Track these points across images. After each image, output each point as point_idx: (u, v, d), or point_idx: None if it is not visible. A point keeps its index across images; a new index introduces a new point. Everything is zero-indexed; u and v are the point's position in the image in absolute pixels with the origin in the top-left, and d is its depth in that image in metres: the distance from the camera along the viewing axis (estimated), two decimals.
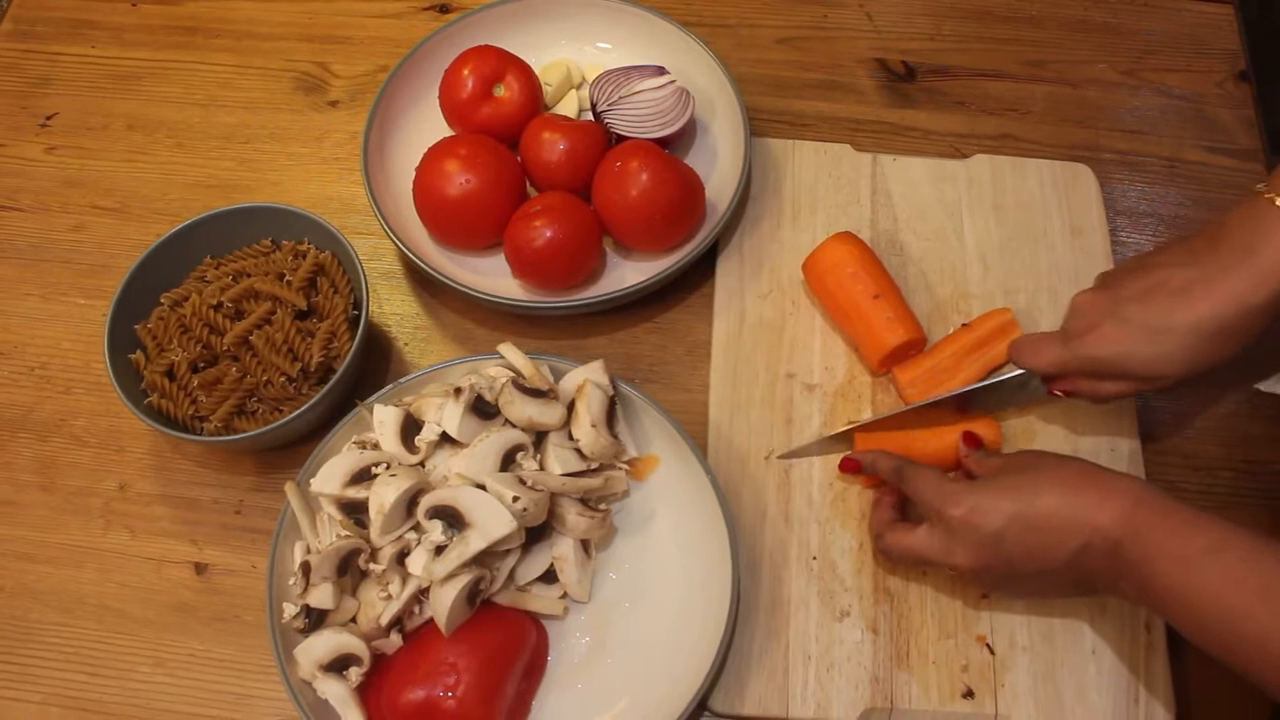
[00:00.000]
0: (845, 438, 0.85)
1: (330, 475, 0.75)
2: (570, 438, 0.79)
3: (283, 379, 0.82)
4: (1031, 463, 0.72)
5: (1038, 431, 0.85)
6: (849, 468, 0.81)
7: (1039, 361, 0.78)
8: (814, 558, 0.81)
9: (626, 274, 0.92)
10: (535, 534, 0.77)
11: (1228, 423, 0.88)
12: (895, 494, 0.79)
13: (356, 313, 0.85)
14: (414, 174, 0.90)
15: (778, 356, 0.89)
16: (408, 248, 0.88)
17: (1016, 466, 0.73)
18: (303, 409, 0.79)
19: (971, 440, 0.80)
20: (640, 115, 0.93)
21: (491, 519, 0.72)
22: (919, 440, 0.83)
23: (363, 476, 0.75)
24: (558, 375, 0.82)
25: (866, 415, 0.86)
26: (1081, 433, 0.85)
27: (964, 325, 0.88)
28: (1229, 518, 0.83)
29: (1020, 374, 0.81)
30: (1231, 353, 0.71)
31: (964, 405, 0.83)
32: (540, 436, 0.79)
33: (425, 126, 0.97)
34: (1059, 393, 0.79)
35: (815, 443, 0.85)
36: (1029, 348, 0.79)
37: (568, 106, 0.99)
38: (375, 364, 0.91)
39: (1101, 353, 0.73)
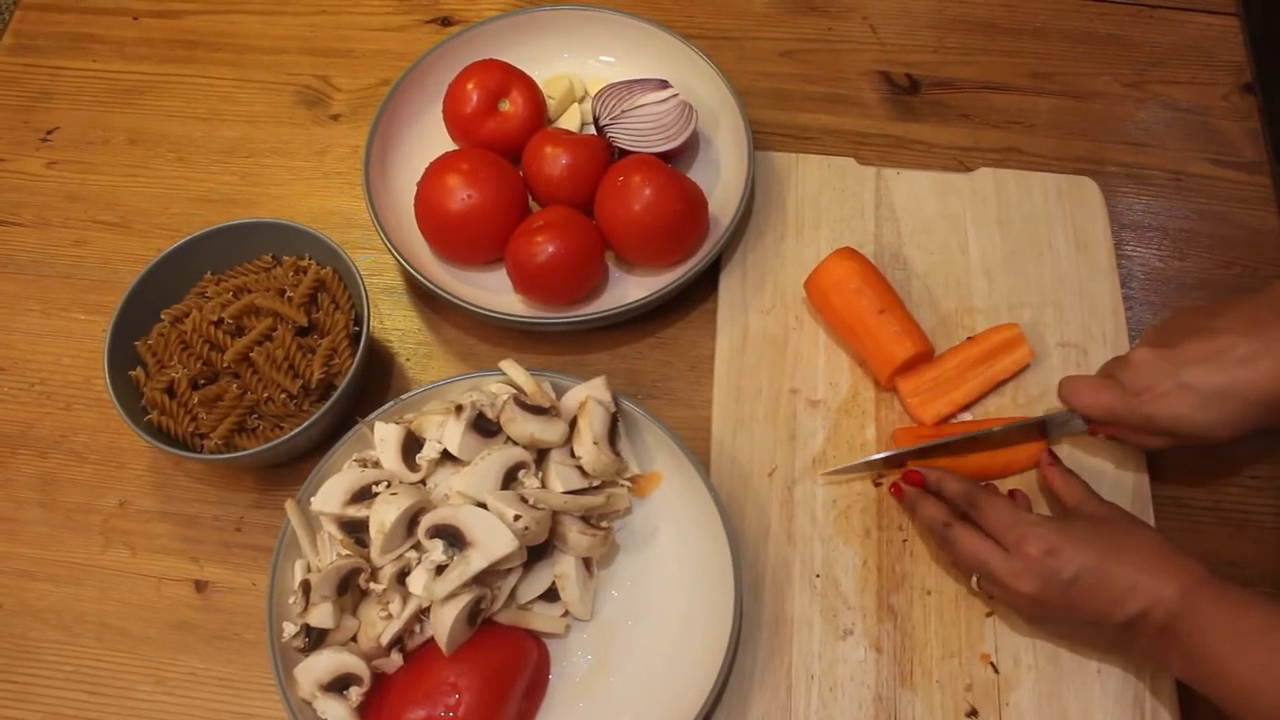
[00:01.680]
0: (887, 460, 0.84)
1: (331, 494, 0.75)
2: (572, 455, 0.78)
3: (283, 396, 0.81)
4: (1113, 518, 0.75)
5: None
6: (914, 480, 0.80)
7: (1093, 406, 0.79)
8: (817, 575, 0.81)
9: (629, 289, 0.91)
10: (537, 552, 0.77)
11: None
12: (945, 506, 0.79)
13: (357, 329, 0.85)
14: (416, 189, 0.90)
15: (781, 372, 0.89)
16: (409, 263, 0.88)
17: (1097, 516, 0.75)
18: (303, 426, 0.78)
19: (1052, 455, 0.82)
20: (643, 129, 0.92)
21: (493, 537, 0.71)
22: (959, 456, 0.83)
23: (363, 495, 0.75)
24: (559, 392, 0.81)
25: (870, 431, 0.86)
26: (1087, 447, 0.85)
27: (969, 339, 0.88)
28: (1235, 534, 0.83)
29: (1064, 415, 0.82)
30: None
31: (1007, 440, 0.83)
32: (542, 454, 0.78)
33: (427, 140, 0.97)
34: (1101, 435, 0.81)
35: (860, 463, 0.84)
36: (1084, 390, 0.79)
37: (570, 120, 0.98)
38: (376, 380, 0.91)
39: (1159, 413, 0.75)
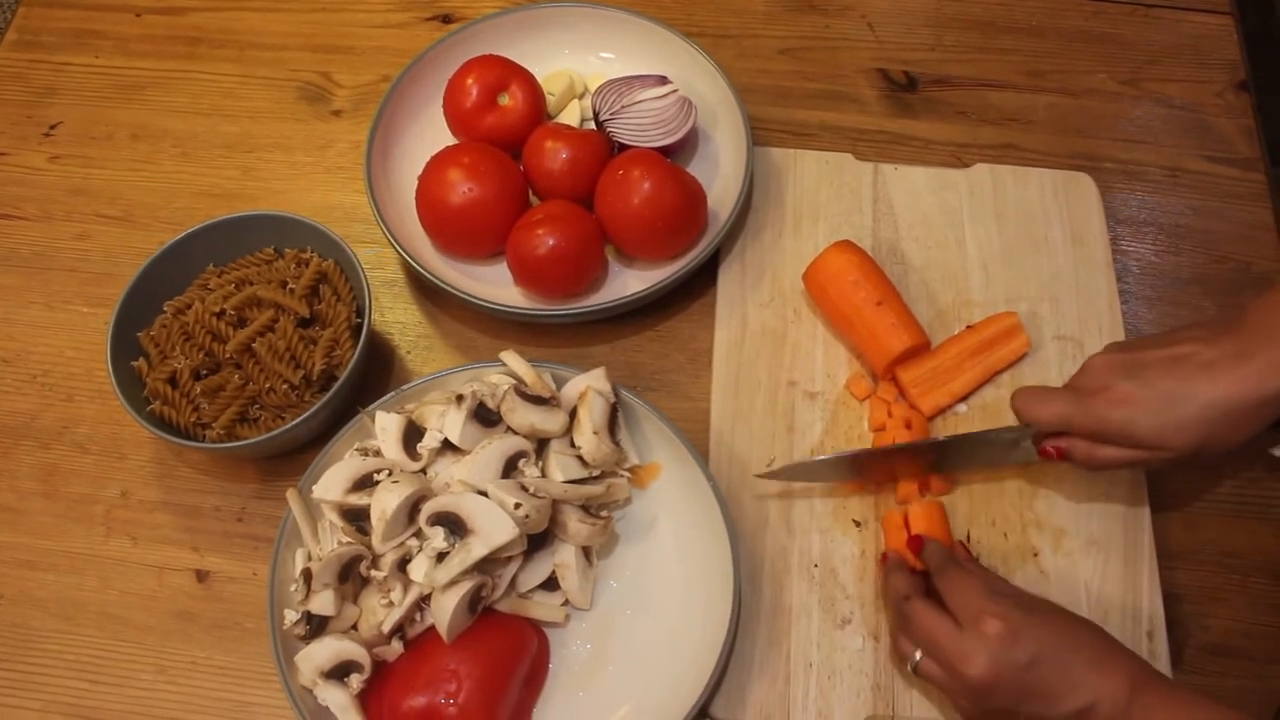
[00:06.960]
0: (830, 465, 0.82)
1: (332, 482, 0.75)
2: (572, 445, 0.79)
3: (285, 386, 0.82)
4: (1057, 609, 0.71)
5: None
6: (914, 546, 0.78)
7: (1043, 413, 0.75)
8: (815, 565, 0.81)
9: (628, 282, 0.92)
10: (537, 541, 0.77)
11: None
12: (917, 573, 0.77)
13: (359, 321, 0.85)
14: (417, 183, 0.91)
15: (779, 364, 0.89)
16: (410, 256, 0.88)
17: (1043, 605, 0.71)
18: (305, 416, 0.79)
19: (915, 543, 0.78)
20: (642, 124, 0.93)
21: (493, 526, 0.72)
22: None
23: (364, 483, 0.76)
24: (560, 383, 0.82)
25: (867, 423, 0.86)
26: None
27: (969, 327, 0.89)
28: (1230, 525, 0.84)
29: (1013, 432, 0.78)
30: (1238, 439, 0.70)
31: (950, 455, 0.81)
32: (542, 444, 0.79)
33: (428, 135, 0.98)
34: (1051, 453, 0.76)
35: (790, 467, 0.82)
36: (1034, 399, 0.76)
37: (570, 116, 0.99)
38: (377, 372, 0.91)
39: (1112, 413, 0.71)
